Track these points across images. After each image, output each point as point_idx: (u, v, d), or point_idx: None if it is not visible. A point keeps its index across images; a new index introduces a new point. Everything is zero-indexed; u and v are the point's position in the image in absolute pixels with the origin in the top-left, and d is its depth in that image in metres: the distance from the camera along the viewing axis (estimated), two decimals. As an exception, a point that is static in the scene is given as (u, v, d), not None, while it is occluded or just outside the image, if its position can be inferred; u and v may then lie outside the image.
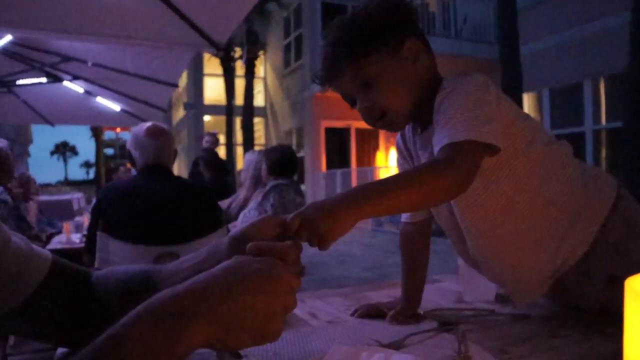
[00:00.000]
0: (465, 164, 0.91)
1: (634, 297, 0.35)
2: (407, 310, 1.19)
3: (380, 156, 15.13)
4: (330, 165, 14.54)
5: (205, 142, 6.16)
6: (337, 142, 14.95)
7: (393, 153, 14.48)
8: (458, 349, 0.91)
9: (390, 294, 1.43)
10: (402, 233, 1.31)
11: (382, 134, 15.07)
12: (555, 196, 1.08)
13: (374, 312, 1.21)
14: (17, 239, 0.77)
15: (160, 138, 2.35)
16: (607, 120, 9.24)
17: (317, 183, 14.26)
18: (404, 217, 1.30)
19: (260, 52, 16.75)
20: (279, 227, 0.77)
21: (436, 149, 0.95)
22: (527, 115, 1.12)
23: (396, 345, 0.96)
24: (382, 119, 1.09)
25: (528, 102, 9.87)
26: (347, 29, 1.08)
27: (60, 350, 0.97)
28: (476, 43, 10.66)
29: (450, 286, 1.53)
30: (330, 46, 1.09)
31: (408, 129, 1.23)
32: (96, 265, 2.18)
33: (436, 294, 1.43)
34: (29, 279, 0.76)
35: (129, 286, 0.80)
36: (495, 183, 1.05)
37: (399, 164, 1.31)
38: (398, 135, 1.29)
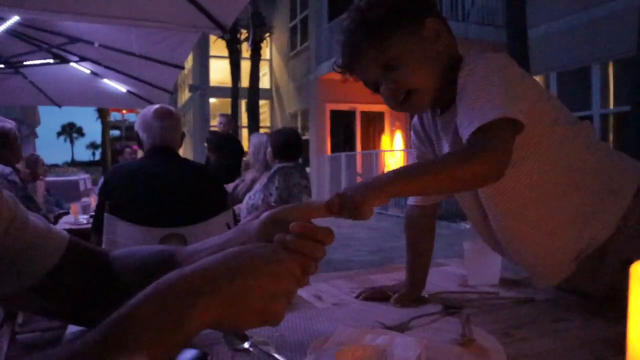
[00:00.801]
0: (501, 147, 0.92)
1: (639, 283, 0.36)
2: (411, 294, 1.20)
3: (385, 140, 15.08)
4: (335, 148, 14.52)
5: (219, 124, 6.13)
6: (342, 125, 14.91)
7: (398, 137, 14.44)
8: (462, 332, 0.92)
9: (394, 277, 1.44)
10: (407, 216, 1.32)
11: (387, 117, 15.00)
12: (580, 178, 1.08)
13: (378, 295, 1.22)
14: (35, 218, 0.79)
15: (168, 120, 2.36)
16: (615, 104, 9.16)
17: (322, 166, 14.25)
18: (411, 199, 1.30)
19: (266, 35, 16.65)
20: (319, 210, 0.76)
21: (466, 131, 0.95)
22: (551, 95, 1.12)
23: (401, 328, 0.98)
24: (406, 101, 1.09)
25: (535, 86, 9.79)
26: (366, 12, 1.08)
27: (71, 330, 0.99)
28: (483, 26, 10.55)
29: (454, 270, 1.54)
30: (349, 32, 1.10)
31: (422, 116, 1.24)
32: (103, 246, 2.20)
33: (441, 278, 1.44)
34: (47, 257, 0.78)
35: (150, 266, 0.82)
36: (521, 163, 1.05)
37: (415, 147, 1.31)
38: (415, 117, 1.29)
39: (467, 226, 1.61)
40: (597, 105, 9.29)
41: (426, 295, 1.21)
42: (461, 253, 1.41)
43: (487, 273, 1.35)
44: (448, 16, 10.56)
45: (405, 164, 0.94)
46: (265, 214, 0.79)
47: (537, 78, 9.74)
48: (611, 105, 9.29)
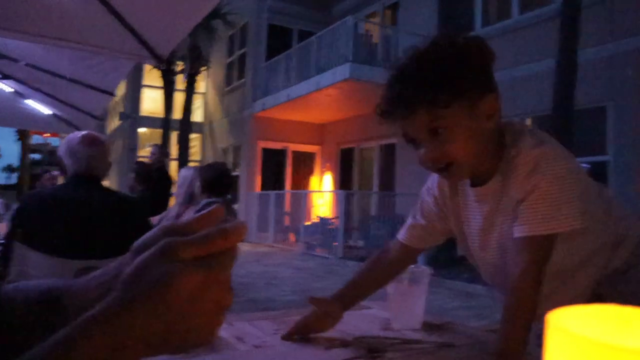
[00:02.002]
0: (539, 262, 1.04)
1: (554, 331, 0.37)
2: (332, 309, 1.23)
3: (314, 180, 15.22)
4: (264, 186, 14.47)
5: (151, 155, 5.96)
6: (273, 163, 14.93)
7: (327, 178, 14.62)
8: (384, 377, 0.92)
9: (319, 319, 1.43)
10: (387, 247, 1.38)
11: (318, 158, 15.17)
12: (601, 240, 1.20)
13: (301, 330, 1.21)
14: None
15: (95, 147, 2.28)
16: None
17: (251, 203, 14.15)
18: (401, 235, 1.36)
19: (203, 68, 16.60)
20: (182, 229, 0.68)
21: (518, 233, 1.06)
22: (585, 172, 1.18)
23: (323, 372, 0.96)
24: (446, 170, 1.09)
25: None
26: (428, 67, 1.03)
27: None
28: (415, 77, 10.97)
29: (378, 313, 1.55)
30: (404, 80, 1.05)
31: None
32: (10, 277, 2.06)
33: (364, 320, 1.44)
34: None
35: (37, 305, 0.75)
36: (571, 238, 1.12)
37: (427, 204, 1.34)
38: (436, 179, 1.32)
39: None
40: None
41: (350, 339, 1.20)
42: (385, 296, 1.43)
43: (411, 317, 1.37)
44: (382, 64, 10.96)
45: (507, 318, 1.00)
46: (134, 244, 0.69)
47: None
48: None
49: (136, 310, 0.49)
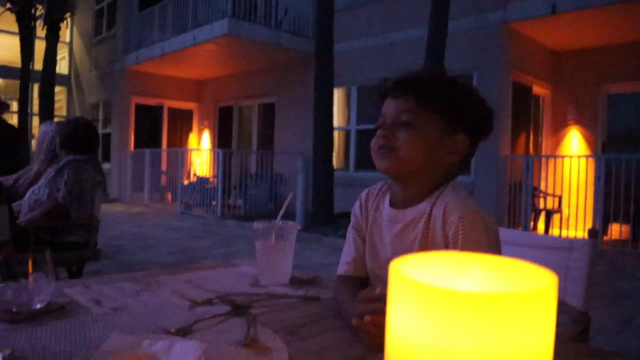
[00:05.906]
0: None
1: (395, 278, 0.37)
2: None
3: (192, 138, 14.78)
4: (139, 143, 13.78)
5: None
6: (148, 120, 14.21)
7: (206, 136, 14.28)
8: (246, 333, 0.91)
9: (186, 278, 1.38)
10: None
11: (196, 116, 14.71)
12: None
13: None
14: None
15: None
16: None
17: (124, 162, 13.45)
18: (342, 270, 1.30)
19: (67, 14, 15.18)
20: None
21: None
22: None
23: (183, 332, 0.93)
24: (386, 150, 1.14)
25: (338, 96, 10.40)
26: (444, 87, 1.17)
27: None
28: (295, 35, 10.91)
29: (247, 270, 1.54)
30: (420, 77, 1.19)
31: (378, 193, 1.28)
32: None
33: (232, 279, 1.42)
34: None
35: None
36: None
37: (353, 226, 1.33)
38: (364, 193, 1.32)
39: (260, 226, 1.62)
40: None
41: (214, 297, 1.17)
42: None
43: (278, 273, 1.37)
44: (262, 22, 10.75)
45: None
46: None
47: (340, 89, 10.40)
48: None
49: None
